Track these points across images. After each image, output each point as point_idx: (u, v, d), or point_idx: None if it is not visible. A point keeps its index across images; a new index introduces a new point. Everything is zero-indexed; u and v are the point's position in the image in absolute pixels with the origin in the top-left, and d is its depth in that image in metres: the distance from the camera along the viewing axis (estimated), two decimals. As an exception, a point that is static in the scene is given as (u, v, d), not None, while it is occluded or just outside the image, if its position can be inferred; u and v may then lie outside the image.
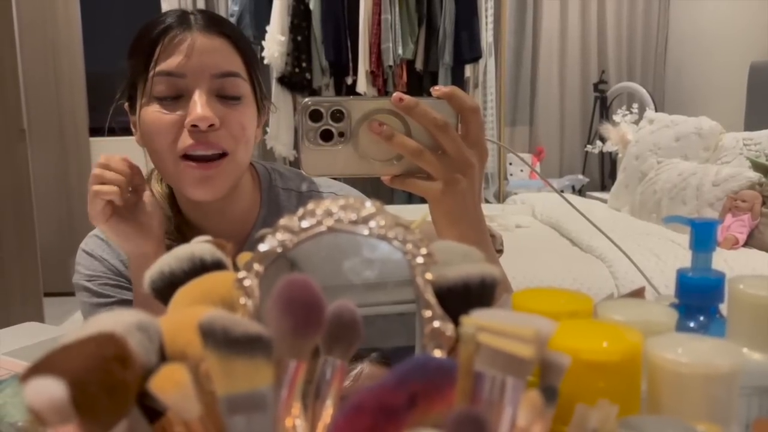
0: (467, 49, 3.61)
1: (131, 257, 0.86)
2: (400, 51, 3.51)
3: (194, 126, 0.82)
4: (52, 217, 3.87)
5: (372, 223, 0.40)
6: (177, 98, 0.83)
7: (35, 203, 3.18)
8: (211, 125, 0.82)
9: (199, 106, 0.81)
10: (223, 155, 0.84)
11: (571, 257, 2.42)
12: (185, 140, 0.83)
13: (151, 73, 0.83)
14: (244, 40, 0.90)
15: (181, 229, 0.93)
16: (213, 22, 0.87)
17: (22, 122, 3.08)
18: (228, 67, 0.85)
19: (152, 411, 0.33)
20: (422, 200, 0.65)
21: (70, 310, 3.28)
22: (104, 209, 0.81)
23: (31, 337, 1.03)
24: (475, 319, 0.30)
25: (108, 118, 0.98)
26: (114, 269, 0.94)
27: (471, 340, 0.30)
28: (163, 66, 0.83)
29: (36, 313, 3.10)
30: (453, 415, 0.25)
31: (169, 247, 0.86)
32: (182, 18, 0.86)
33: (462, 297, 0.39)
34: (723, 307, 0.53)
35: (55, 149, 3.88)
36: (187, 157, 0.83)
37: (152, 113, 0.84)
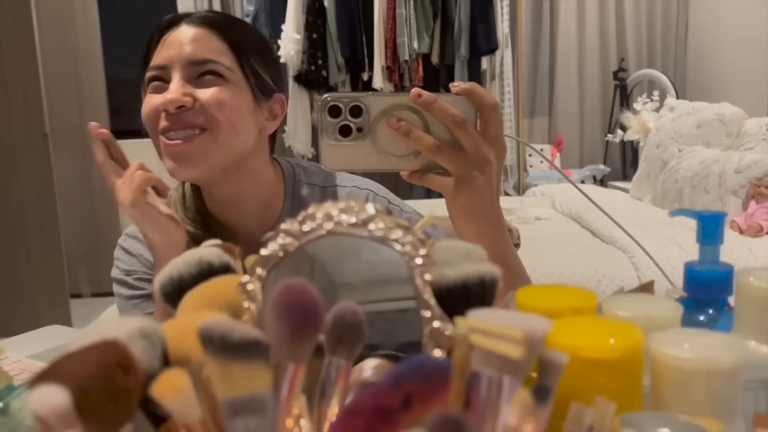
0: (483, 41, 3.58)
1: (159, 246, 0.87)
2: (415, 45, 3.50)
3: (166, 110, 0.86)
4: (75, 220, 3.94)
5: (371, 226, 0.41)
6: (163, 87, 0.88)
7: (59, 207, 3.23)
8: (181, 106, 0.86)
9: (170, 90, 0.86)
10: (202, 133, 0.87)
11: (592, 249, 2.40)
12: (162, 122, 0.87)
13: (146, 73, 0.90)
14: (237, 32, 0.92)
15: (206, 220, 0.97)
16: (203, 17, 0.92)
17: (44, 127, 3.14)
18: (206, 55, 0.88)
19: (157, 415, 0.34)
20: (441, 195, 0.66)
21: (96, 311, 3.34)
22: (144, 194, 0.85)
23: (55, 340, 1.05)
24: (468, 320, 0.31)
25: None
26: (149, 263, 0.98)
27: (464, 341, 0.30)
28: (152, 63, 0.90)
29: (63, 315, 3.16)
30: (434, 418, 0.25)
31: (189, 234, 0.91)
32: (174, 17, 0.92)
33: (461, 297, 0.39)
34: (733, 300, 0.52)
35: (77, 153, 3.94)
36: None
37: (144, 103, 0.90)
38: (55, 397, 0.28)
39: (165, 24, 0.91)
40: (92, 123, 0.88)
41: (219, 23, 0.91)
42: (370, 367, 0.43)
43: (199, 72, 0.87)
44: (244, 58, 0.91)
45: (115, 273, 0.99)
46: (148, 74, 0.90)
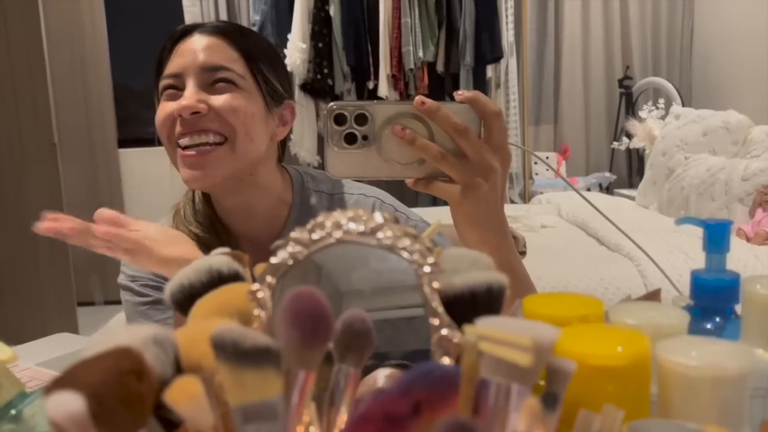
0: (488, 50, 3.59)
1: (179, 263, 0.83)
2: (420, 54, 3.51)
3: (180, 115, 0.88)
4: (84, 228, 3.94)
5: (380, 234, 0.41)
6: (177, 95, 0.90)
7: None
8: (196, 112, 0.87)
9: (184, 97, 0.88)
10: (220, 143, 0.88)
11: (598, 257, 2.39)
12: (176, 128, 0.89)
13: (159, 82, 0.92)
14: (248, 40, 0.94)
15: (214, 225, 0.98)
16: (216, 27, 0.93)
17: (52, 136, 3.15)
18: (218, 61, 0.90)
19: (169, 421, 0.34)
20: (446, 203, 0.66)
21: (104, 318, 3.35)
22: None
23: (63, 348, 1.06)
24: (477, 327, 0.31)
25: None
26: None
27: (472, 348, 0.30)
28: (166, 72, 0.91)
29: (70, 323, 3.17)
30: (442, 424, 0.25)
31: (197, 236, 0.91)
32: (187, 27, 0.94)
33: (469, 305, 0.39)
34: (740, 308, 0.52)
35: (85, 162, 3.96)
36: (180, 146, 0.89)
37: (158, 111, 0.92)
38: (70, 403, 0.28)
39: (178, 34, 0.93)
40: (98, 222, 0.79)
41: (231, 32, 0.93)
42: (383, 377, 0.43)
43: (213, 79, 0.89)
44: (256, 66, 0.93)
45: (121, 279, 1.00)
46: (162, 83, 0.91)
